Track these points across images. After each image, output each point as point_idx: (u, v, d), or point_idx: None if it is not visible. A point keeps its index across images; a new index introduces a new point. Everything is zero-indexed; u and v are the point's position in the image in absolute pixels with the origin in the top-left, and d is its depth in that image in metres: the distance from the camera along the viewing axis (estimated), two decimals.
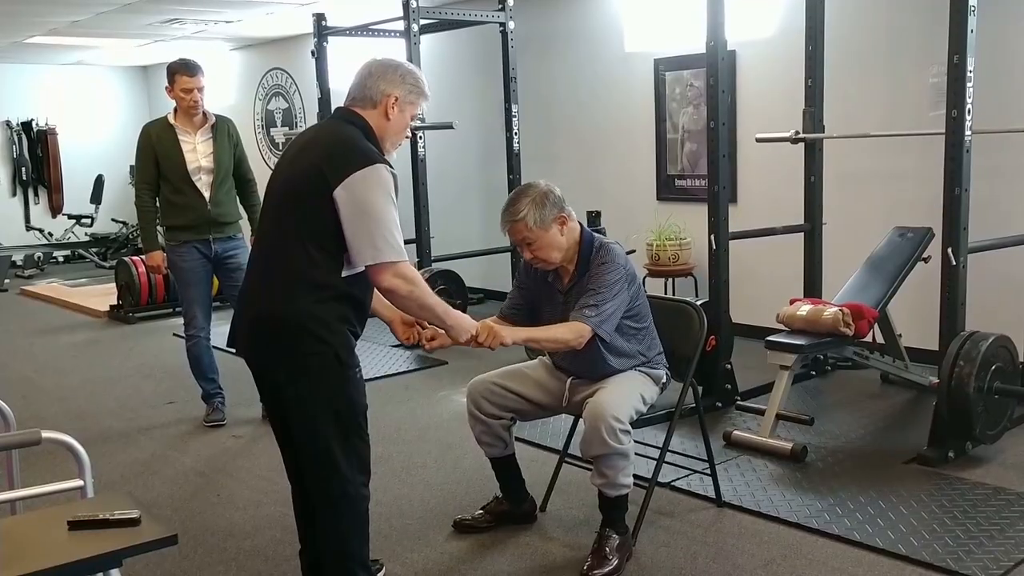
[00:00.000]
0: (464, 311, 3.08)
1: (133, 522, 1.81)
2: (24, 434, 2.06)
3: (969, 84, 3.55)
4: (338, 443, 2.43)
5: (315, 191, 2.31)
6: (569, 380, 3.08)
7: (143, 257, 5.16)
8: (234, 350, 2.56)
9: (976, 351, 3.58)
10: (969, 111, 3.58)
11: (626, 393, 2.91)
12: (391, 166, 2.39)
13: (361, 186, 2.29)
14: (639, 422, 3.10)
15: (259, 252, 2.51)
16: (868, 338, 4.25)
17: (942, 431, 3.68)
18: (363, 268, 2.35)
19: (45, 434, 2.04)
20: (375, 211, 2.30)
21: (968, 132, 3.60)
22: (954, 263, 3.66)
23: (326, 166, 2.32)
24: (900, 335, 4.61)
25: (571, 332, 2.85)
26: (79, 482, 2.09)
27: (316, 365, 2.38)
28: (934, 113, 4.75)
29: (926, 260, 4.42)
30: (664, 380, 3.11)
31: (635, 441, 3.54)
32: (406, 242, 2.43)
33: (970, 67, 3.53)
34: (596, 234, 3.05)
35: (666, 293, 6.19)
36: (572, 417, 3.29)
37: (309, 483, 2.51)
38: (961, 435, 3.67)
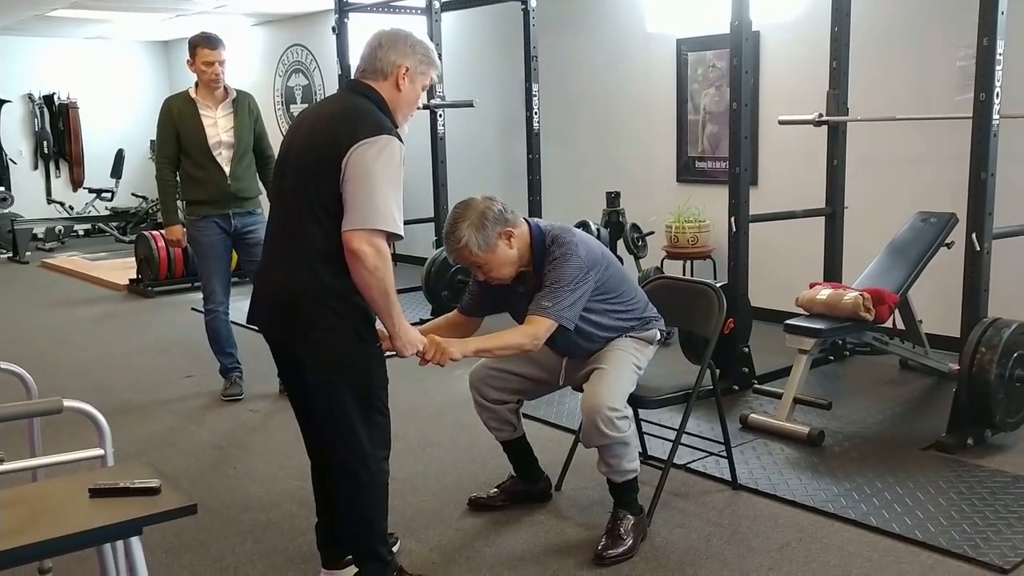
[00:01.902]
0: None
1: (153, 491, 1.82)
2: (46, 403, 2.07)
3: (998, 67, 3.49)
4: (359, 417, 2.44)
5: (328, 164, 2.29)
6: (565, 360, 3.05)
7: (163, 231, 5.19)
8: (254, 327, 2.57)
9: (998, 338, 3.54)
10: (997, 95, 3.53)
11: (619, 375, 2.86)
12: (401, 139, 2.36)
13: (367, 154, 2.27)
14: (655, 403, 3.11)
15: (275, 227, 2.50)
16: (888, 323, 4.22)
17: (961, 418, 3.65)
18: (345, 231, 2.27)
19: (67, 403, 2.05)
20: (374, 178, 2.26)
21: (996, 116, 3.55)
22: (978, 249, 3.62)
23: (340, 136, 2.30)
24: (921, 321, 4.57)
25: (524, 336, 2.72)
26: (99, 451, 2.11)
27: (336, 339, 2.39)
28: (961, 97, 4.68)
29: (949, 246, 4.37)
30: (659, 337, 3.05)
31: (651, 422, 3.57)
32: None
33: (1000, 50, 3.48)
34: (547, 226, 2.86)
35: (684, 275, 6.16)
36: None
37: (330, 456, 2.53)
38: (981, 422, 3.64)
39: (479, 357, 2.82)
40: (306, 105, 9.95)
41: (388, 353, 2.53)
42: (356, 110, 2.38)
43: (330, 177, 2.29)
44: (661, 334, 3.07)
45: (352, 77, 2.51)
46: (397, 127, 2.43)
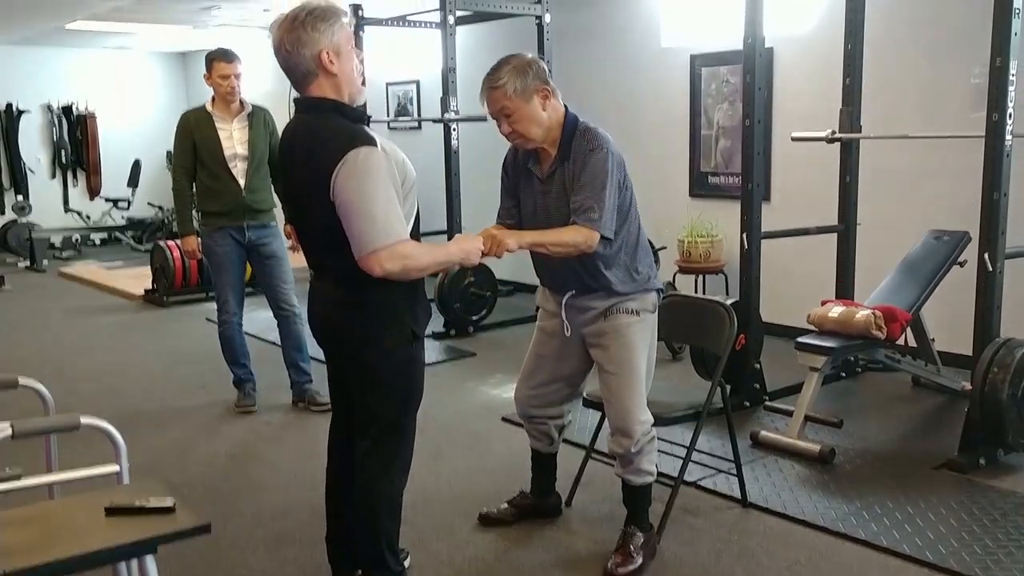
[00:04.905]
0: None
1: (168, 510, 1.85)
2: (63, 419, 2.11)
3: (1011, 87, 3.50)
4: (391, 427, 2.52)
5: (323, 199, 2.28)
6: (564, 300, 2.93)
7: (178, 241, 5.23)
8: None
9: (1011, 357, 3.53)
10: (1010, 115, 3.53)
11: (633, 380, 2.85)
12: (373, 142, 2.28)
13: (346, 176, 2.24)
14: (666, 420, 3.10)
15: (308, 252, 2.54)
16: (900, 341, 4.21)
17: (973, 437, 3.64)
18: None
19: (84, 420, 2.08)
20: (363, 198, 2.24)
21: (1009, 136, 3.55)
22: (990, 268, 3.61)
23: (321, 169, 2.26)
24: (933, 339, 4.56)
25: (580, 235, 2.69)
26: (115, 467, 2.13)
27: (381, 352, 2.45)
28: (975, 114, 4.67)
29: (962, 264, 4.36)
30: (659, 300, 2.97)
31: (662, 439, 3.57)
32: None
33: (1013, 70, 3.48)
34: (583, 120, 2.84)
35: (696, 290, 6.16)
36: (599, 413, 3.26)
37: (356, 462, 2.55)
38: (993, 442, 3.63)
39: (534, 249, 2.79)
40: None
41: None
42: (318, 136, 2.33)
43: (331, 209, 2.29)
44: (660, 294, 2.99)
45: (297, 95, 2.43)
46: (359, 106, 2.41)
